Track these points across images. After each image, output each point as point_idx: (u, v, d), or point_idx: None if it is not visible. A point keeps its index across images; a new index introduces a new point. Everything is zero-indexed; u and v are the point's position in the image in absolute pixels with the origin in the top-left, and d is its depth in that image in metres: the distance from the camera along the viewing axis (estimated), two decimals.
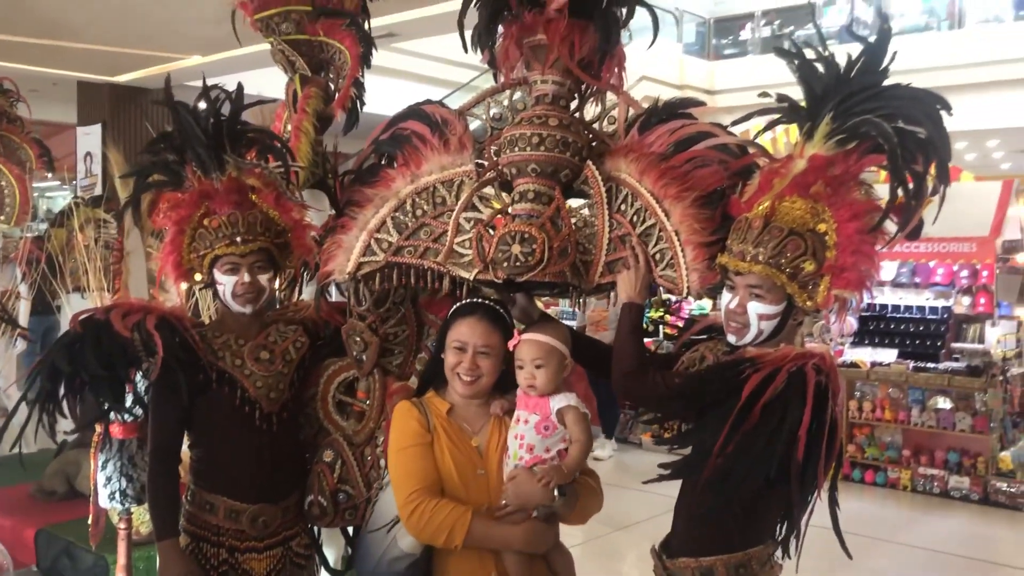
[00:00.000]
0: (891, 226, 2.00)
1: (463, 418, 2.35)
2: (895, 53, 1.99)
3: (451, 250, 2.35)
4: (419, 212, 2.42)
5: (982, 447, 7.28)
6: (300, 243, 2.58)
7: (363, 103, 3.10)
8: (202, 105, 2.55)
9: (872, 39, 2.02)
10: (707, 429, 1.93)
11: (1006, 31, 13.25)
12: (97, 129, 9.79)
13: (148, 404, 2.52)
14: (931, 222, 2.02)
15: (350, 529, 2.73)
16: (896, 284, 8.72)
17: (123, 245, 3.32)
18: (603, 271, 2.27)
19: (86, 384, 2.36)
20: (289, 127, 2.99)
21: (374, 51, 3.10)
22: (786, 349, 1.96)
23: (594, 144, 2.32)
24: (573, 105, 2.35)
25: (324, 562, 2.79)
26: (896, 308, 8.80)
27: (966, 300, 8.45)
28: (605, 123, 2.41)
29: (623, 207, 2.25)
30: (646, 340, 2.31)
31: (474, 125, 2.50)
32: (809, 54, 2.06)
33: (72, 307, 3.76)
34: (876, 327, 8.76)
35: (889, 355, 8.18)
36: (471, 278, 2.30)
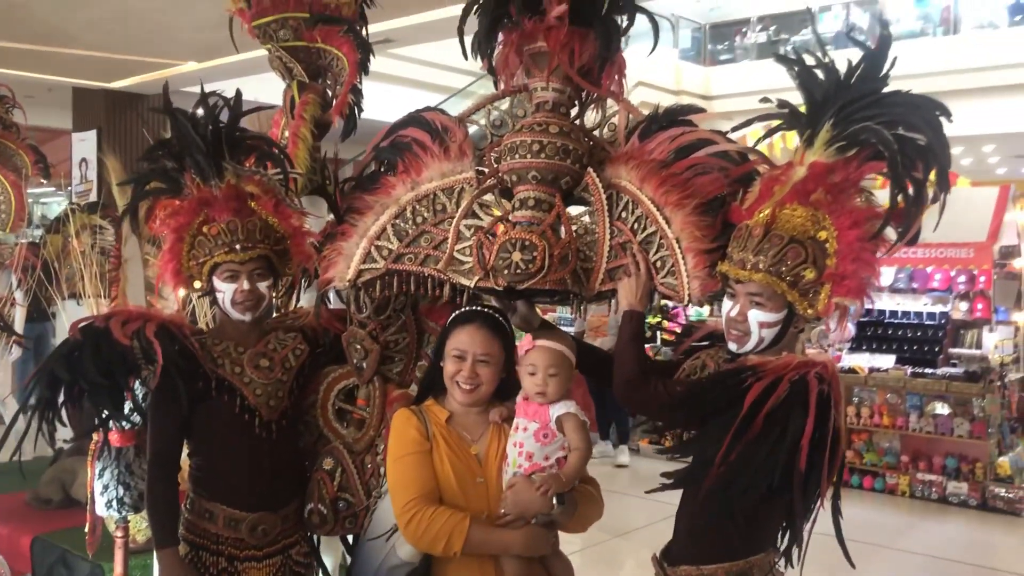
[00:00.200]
0: (890, 233, 2.00)
1: (462, 426, 2.34)
2: (895, 59, 2.00)
3: (451, 257, 2.35)
4: (419, 219, 2.41)
5: (980, 453, 7.27)
6: (299, 250, 2.57)
7: (361, 109, 3.11)
8: (200, 112, 2.55)
9: (872, 45, 2.02)
10: (709, 438, 1.92)
11: (1001, 37, 13.29)
12: (92, 135, 9.78)
13: (147, 412, 2.50)
14: (931, 229, 2.02)
15: (349, 537, 2.72)
16: (894, 289, 8.74)
17: (120, 252, 3.31)
18: (604, 278, 2.26)
19: (85, 392, 2.35)
20: (287, 133, 2.99)
21: (372, 57, 3.11)
22: (788, 358, 1.96)
23: (595, 151, 2.32)
24: (573, 112, 2.35)
25: (324, 570, 2.78)
26: (894, 314, 8.82)
27: (963, 305, 8.47)
28: (605, 130, 2.40)
29: (624, 214, 2.25)
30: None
31: (471, 129, 2.50)
32: (808, 60, 2.07)
33: (68, 314, 3.76)
34: (874, 333, 8.78)
35: (887, 361, 8.19)
36: (472, 285, 2.30)
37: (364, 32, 3.18)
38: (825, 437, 1.86)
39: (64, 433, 2.55)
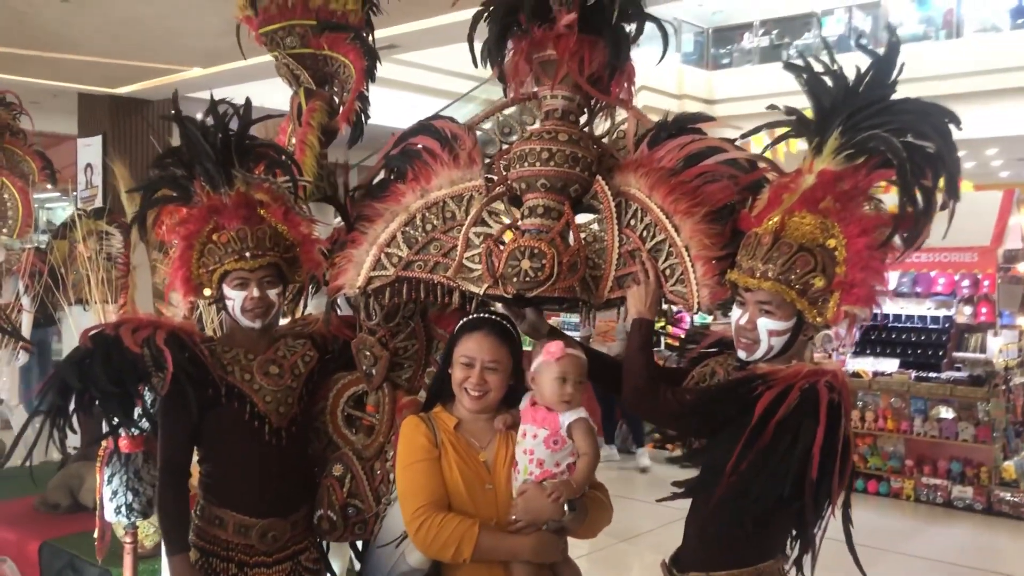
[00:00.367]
0: (897, 239, 2.00)
1: (471, 433, 2.34)
2: (903, 66, 1.99)
3: (461, 265, 2.35)
4: (429, 227, 2.42)
5: (985, 457, 7.27)
6: (308, 257, 2.58)
7: (367, 116, 3.11)
8: (210, 120, 2.56)
9: (881, 51, 2.02)
10: (720, 447, 1.93)
11: (1003, 40, 13.28)
12: (97, 140, 9.79)
13: (156, 418, 2.51)
14: (941, 236, 2.03)
15: (359, 543, 2.72)
16: (897, 293, 8.73)
17: (129, 259, 3.32)
18: (613, 286, 2.27)
19: (96, 400, 2.36)
20: (294, 140, 3.00)
21: (378, 64, 3.12)
22: (798, 366, 1.95)
23: (604, 159, 2.33)
24: (582, 120, 2.36)
25: None
26: (898, 318, 8.81)
27: (968, 310, 8.47)
28: (614, 138, 2.41)
29: (633, 222, 2.25)
30: None
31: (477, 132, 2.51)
32: (816, 67, 2.07)
33: (75, 319, 3.77)
34: (878, 337, 8.77)
35: (891, 365, 8.19)
36: (481, 293, 2.30)
37: (371, 39, 3.19)
38: (835, 446, 1.87)
39: (74, 440, 2.55)
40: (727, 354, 2.27)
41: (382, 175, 2.61)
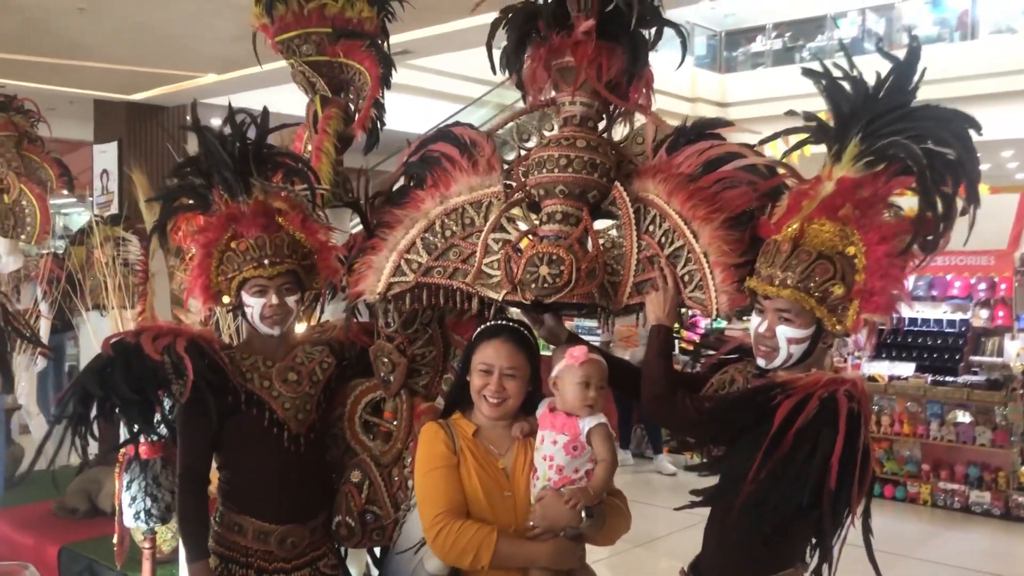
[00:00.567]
0: (917, 246, 1.99)
1: (489, 439, 2.34)
2: (924, 71, 1.98)
3: (480, 271, 2.36)
4: (448, 233, 2.43)
5: (1003, 461, 7.21)
6: (326, 264, 2.59)
7: (383, 123, 3.12)
8: (227, 129, 2.57)
9: (901, 56, 2.01)
10: (739, 455, 1.92)
11: (1019, 41, 13.23)
12: (113, 147, 9.85)
13: (175, 425, 2.52)
14: (962, 243, 2.02)
15: (376, 549, 2.73)
16: (914, 297, 8.68)
17: (148, 266, 3.34)
18: (631, 292, 2.27)
19: (117, 407, 2.38)
20: (310, 147, 3.01)
21: (393, 71, 3.12)
22: (817, 375, 1.95)
23: (622, 164, 2.33)
24: (601, 126, 2.36)
25: None
26: (913, 321, 8.76)
27: (984, 313, 8.41)
28: (632, 143, 2.41)
29: (651, 228, 2.25)
30: None
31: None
32: (834, 72, 2.06)
33: (92, 324, 3.79)
34: (894, 340, 8.72)
35: (907, 369, 8.14)
36: (500, 299, 2.31)
37: (386, 46, 3.20)
38: (855, 455, 1.86)
39: (93, 445, 2.57)
40: (747, 361, 2.26)
41: (402, 181, 2.62)
